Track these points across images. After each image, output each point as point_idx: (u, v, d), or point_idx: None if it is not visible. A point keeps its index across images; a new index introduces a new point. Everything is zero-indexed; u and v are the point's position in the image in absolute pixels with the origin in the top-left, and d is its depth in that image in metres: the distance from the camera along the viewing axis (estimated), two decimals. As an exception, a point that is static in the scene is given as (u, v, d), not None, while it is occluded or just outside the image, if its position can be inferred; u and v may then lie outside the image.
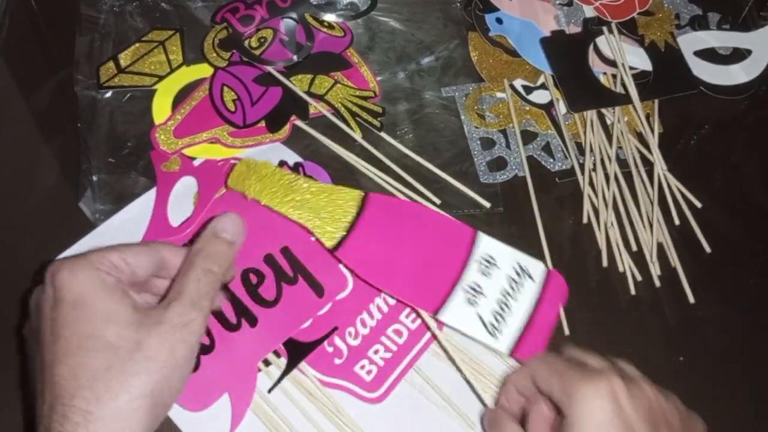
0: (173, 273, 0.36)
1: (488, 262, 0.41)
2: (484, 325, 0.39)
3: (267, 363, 0.42)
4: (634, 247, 0.49)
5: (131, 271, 0.34)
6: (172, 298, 0.33)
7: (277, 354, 0.42)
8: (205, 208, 0.47)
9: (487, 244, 0.41)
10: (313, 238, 0.46)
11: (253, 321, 0.42)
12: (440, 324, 0.43)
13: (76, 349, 0.30)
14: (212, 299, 0.35)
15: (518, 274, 0.41)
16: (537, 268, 0.41)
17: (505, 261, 0.41)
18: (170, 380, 0.32)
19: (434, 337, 0.43)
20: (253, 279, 0.44)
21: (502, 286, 0.40)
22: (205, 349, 0.41)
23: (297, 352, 0.42)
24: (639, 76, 0.57)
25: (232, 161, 0.50)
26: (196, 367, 0.41)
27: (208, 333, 0.42)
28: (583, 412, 0.31)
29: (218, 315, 0.42)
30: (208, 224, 0.37)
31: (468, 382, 0.41)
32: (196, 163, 0.50)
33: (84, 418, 0.29)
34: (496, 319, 0.39)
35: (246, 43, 0.55)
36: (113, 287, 0.32)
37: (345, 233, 0.41)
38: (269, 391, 0.41)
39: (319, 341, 0.43)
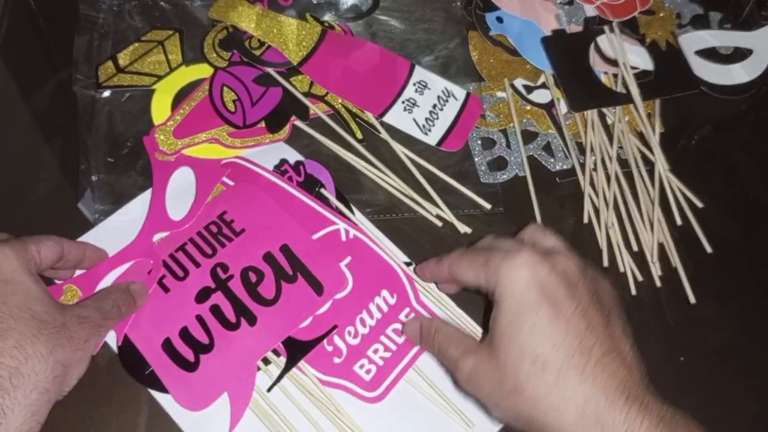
0: (70, 265, 0.42)
1: (422, 85, 0.54)
2: (418, 125, 0.52)
3: (266, 362, 0.42)
4: (635, 247, 0.49)
5: (41, 261, 0.39)
6: (92, 305, 0.39)
7: (276, 352, 0.42)
8: (205, 201, 0.47)
9: (420, 73, 0.55)
10: (313, 237, 0.46)
11: (252, 320, 0.42)
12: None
13: (7, 317, 0.34)
14: (111, 327, 0.41)
15: (445, 94, 0.54)
16: (460, 91, 0.54)
17: (435, 85, 0.54)
18: (80, 364, 0.36)
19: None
20: (253, 277, 0.44)
21: (433, 101, 0.53)
22: (205, 348, 0.41)
23: (296, 350, 0.42)
24: (640, 76, 0.57)
25: (228, 161, 0.50)
26: (195, 367, 0.41)
27: (208, 332, 0.42)
28: (504, 287, 0.34)
29: (218, 314, 0.42)
30: (126, 283, 0.43)
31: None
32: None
33: (10, 373, 0.33)
34: (427, 123, 0.52)
35: (246, 43, 0.55)
36: (35, 273, 0.38)
37: (308, 53, 0.54)
38: (269, 389, 0.41)
39: (319, 340, 0.43)
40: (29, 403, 0.33)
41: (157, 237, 0.46)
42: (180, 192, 0.48)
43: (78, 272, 0.44)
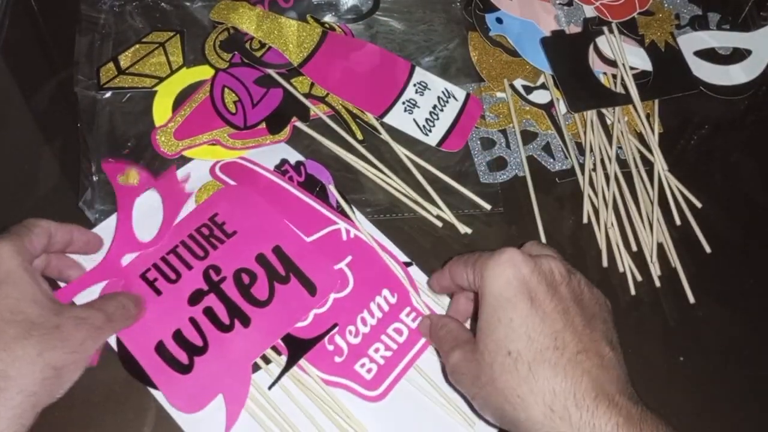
0: (59, 247, 0.42)
1: (422, 86, 0.54)
2: (418, 126, 0.53)
3: (267, 360, 0.42)
4: (634, 248, 0.49)
5: (34, 249, 0.38)
6: (94, 306, 0.39)
7: (277, 351, 0.42)
8: (173, 222, 0.46)
9: (420, 74, 0.55)
10: (307, 239, 0.46)
11: (246, 321, 0.42)
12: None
13: None
14: (117, 329, 0.40)
15: (446, 95, 0.54)
16: (460, 92, 0.55)
17: (435, 86, 0.55)
18: (74, 366, 0.36)
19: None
20: (246, 279, 0.44)
21: (433, 102, 0.54)
22: (199, 351, 0.41)
23: (297, 348, 0.42)
24: (639, 76, 0.57)
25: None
26: (190, 369, 0.41)
27: (201, 334, 0.42)
28: (487, 283, 0.35)
29: (211, 316, 0.42)
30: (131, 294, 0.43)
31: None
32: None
33: None
34: (428, 123, 0.53)
35: (247, 44, 0.55)
36: (34, 272, 0.37)
37: (308, 55, 0.54)
38: (269, 387, 0.41)
39: (319, 338, 0.43)
40: (14, 406, 0.33)
41: (126, 259, 0.45)
42: (147, 214, 0.47)
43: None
